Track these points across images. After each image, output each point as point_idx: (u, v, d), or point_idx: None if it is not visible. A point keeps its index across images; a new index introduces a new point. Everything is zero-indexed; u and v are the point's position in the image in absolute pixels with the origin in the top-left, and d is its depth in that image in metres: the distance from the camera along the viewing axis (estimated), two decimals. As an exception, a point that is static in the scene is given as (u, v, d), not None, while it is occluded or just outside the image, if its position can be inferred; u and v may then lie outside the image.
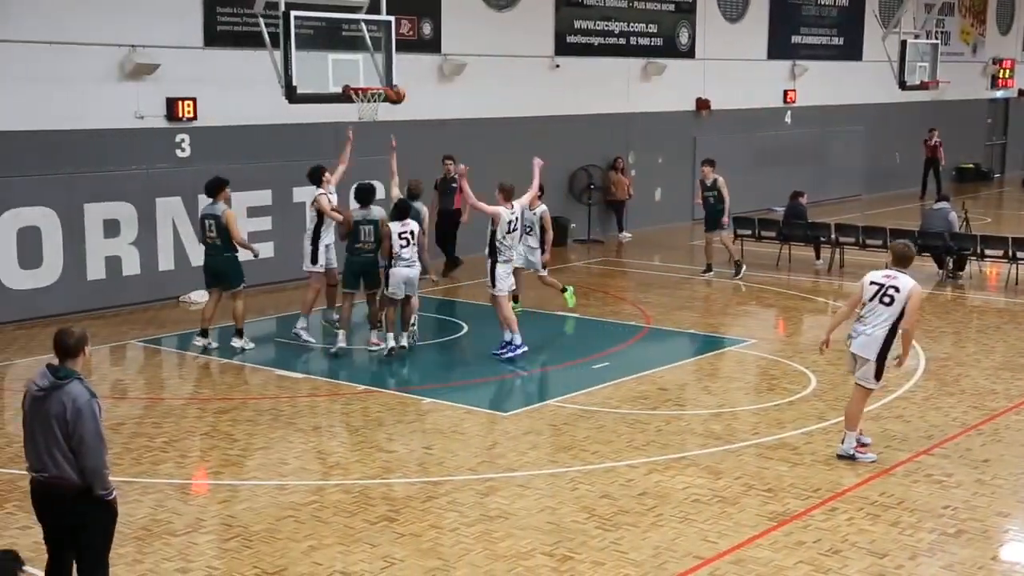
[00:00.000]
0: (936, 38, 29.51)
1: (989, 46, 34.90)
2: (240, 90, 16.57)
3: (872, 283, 9.64)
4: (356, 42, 14.91)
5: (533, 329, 13.98)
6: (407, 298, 13.20)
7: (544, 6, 21.58)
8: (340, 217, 13.57)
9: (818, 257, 19.74)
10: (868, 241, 18.80)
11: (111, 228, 15.64)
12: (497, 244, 13.00)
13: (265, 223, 16.94)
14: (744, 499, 8.89)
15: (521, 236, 13.85)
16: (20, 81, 14.73)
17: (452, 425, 10.77)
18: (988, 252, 18.23)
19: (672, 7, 24.17)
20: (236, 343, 13.42)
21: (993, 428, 10.79)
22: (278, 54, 13.76)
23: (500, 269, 13.06)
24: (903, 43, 23.88)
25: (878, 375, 9.65)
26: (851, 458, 9.71)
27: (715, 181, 18.25)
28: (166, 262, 16.23)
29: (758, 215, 21.38)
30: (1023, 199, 31.98)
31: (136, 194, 15.84)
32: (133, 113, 15.78)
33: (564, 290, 15.30)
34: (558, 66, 21.77)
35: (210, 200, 13.28)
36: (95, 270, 15.56)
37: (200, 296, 15.95)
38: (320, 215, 13.72)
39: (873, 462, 9.67)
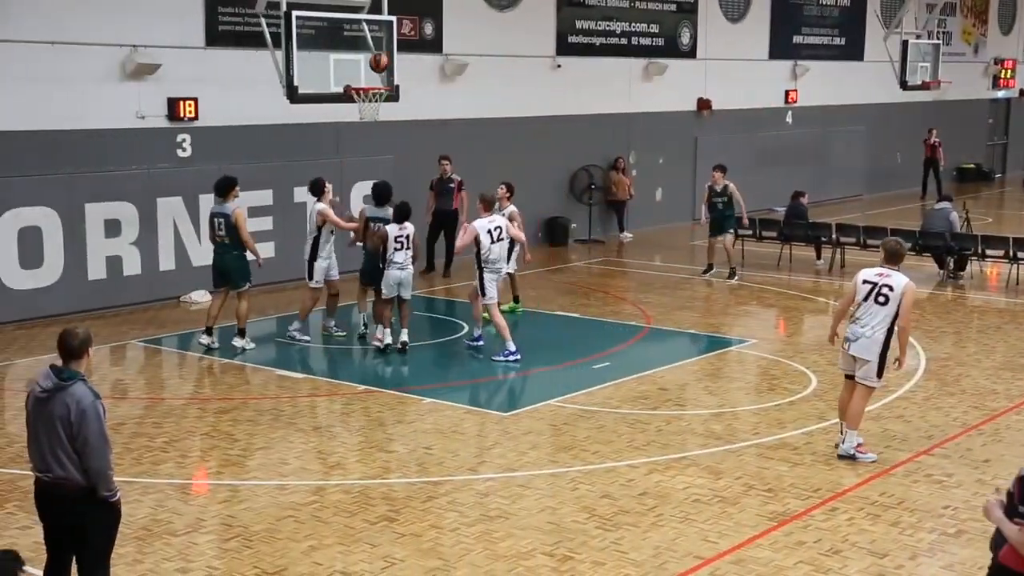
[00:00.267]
0: (937, 38, 29.48)
1: (991, 46, 34.88)
2: (241, 90, 16.56)
3: (865, 282, 9.59)
4: (358, 42, 14.92)
5: (534, 329, 13.97)
6: (401, 299, 13.30)
7: (546, 6, 21.57)
8: (352, 226, 13.68)
9: (819, 257, 19.73)
10: (869, 241, 18.73)
11: (112, 228, 15.63)
12: (483, 255, 13.05)
13: (266, 223, 16.92)
14: (744, 499, 8.89)
15: (512, 246, 13.91)
16: (21, 81, 14.72)
17: (452, 425, 10.77)
18: (989, 252, 18.22)
19: (673, 7, 24.15)
20: (237, 343, 13.41)
21: (994, 428, 10.79)
22: (279, 54, 13.78)
23: (488, 277, 13.11)
24: (904, 43, 23.86)
25: (879, 372, 9.65)
26: (851, 458, 9.71)
27: (726, 187, 18.12)
28: (167, 262, 16.22)
29: (759, 215, 21.35)
30: (1024, 199, 32.04)
31: (137, 194, 15.82)
32: (134, 113, 15.77)
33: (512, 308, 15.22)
34: (559, 66, 21.76)
35: (220, 199, 13.25)
36: (96, 270, 15.54)
37: (201, 296, 15.99)
38: (319, 229, 13.63)
39: (873, 462, 9.67)
